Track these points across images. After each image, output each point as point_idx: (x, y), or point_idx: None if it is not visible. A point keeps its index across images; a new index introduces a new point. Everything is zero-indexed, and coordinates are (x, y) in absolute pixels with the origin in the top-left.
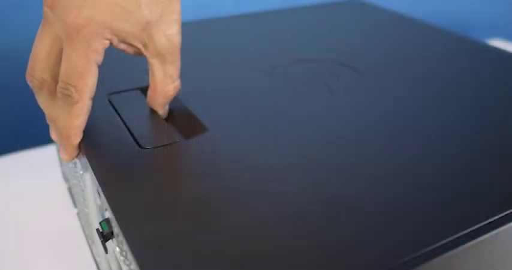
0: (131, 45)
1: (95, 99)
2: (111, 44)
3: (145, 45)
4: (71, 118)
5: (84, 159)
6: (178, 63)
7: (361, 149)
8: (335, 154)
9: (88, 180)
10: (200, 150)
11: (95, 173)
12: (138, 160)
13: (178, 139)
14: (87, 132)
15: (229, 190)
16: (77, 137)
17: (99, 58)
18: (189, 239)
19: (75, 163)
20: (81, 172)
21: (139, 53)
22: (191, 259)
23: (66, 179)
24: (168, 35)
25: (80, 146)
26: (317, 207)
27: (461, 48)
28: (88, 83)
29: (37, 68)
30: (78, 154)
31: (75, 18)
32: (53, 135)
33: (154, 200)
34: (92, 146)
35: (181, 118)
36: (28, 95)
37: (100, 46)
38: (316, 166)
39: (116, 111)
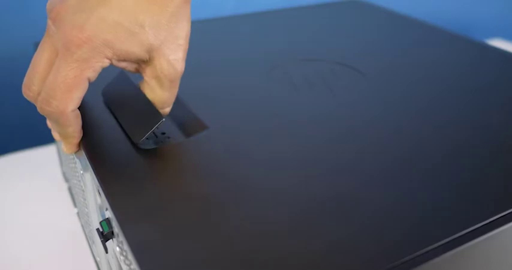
0: (132, 63)
1: (94, 99)
2: (110, 63)
3: (145, 63)
4: (63, 128)
5: (84, 159)
6: (175, 90)
7: (362, 148)
8: (335, 154)
9: (88, 180)
10: (200, 149)
11: (95, 173)
12: (138, 160)
13: (178, 138)
14: (87, 132)
15: (230, 189)
16: (75, 138)
17: (94, 75)
18: (189, 239)
19: (75, 163)
20: (81, 172)
21: (140, 72)
22: (191, 259)
23: (66, 179)
24: (171, 60)
25: (80, 144)
26: (317, 207)
27: (461, 48)
28: (73, 97)
29: (34, 82)
30: (79, 149)
31: (77, 33)
32: (54, 134)
33: (154, 200)
34: (92, 145)
35: (181, 117)
36: None
37: (98, 64)
38: (316, 166)
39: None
